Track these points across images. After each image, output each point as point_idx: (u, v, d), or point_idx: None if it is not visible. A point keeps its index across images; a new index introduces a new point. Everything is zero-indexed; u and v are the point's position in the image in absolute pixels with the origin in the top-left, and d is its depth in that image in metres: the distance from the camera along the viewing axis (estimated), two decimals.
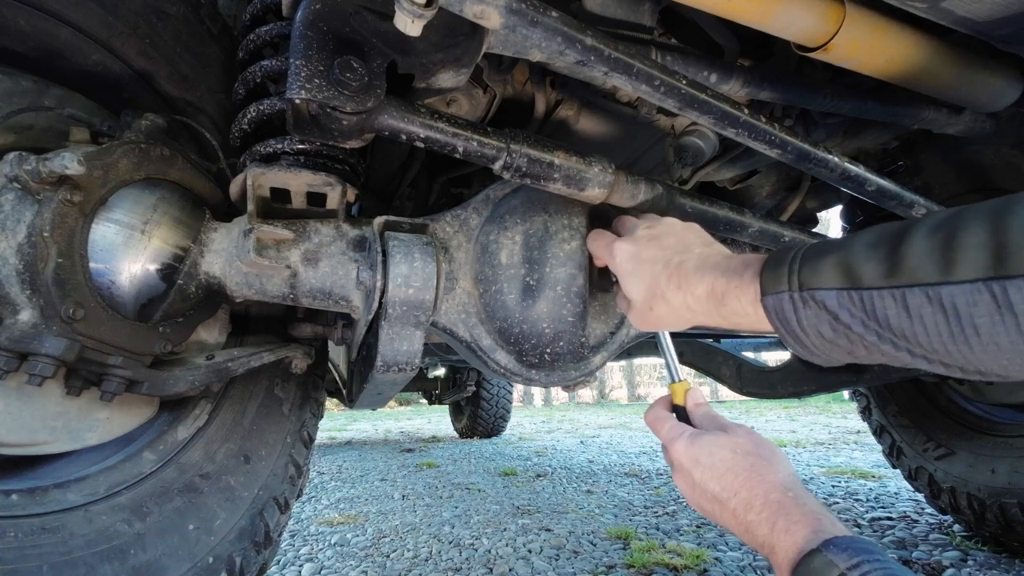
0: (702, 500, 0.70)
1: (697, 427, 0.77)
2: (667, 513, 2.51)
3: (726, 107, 0.89)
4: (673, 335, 0.92)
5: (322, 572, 1.83)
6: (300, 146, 0.92)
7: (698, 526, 2.27)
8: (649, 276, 0.74)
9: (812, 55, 0.94)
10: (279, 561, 1.95)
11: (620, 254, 0.80)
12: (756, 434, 0.72)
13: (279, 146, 0.92)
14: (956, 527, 2.09)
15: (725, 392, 9.91)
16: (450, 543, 2.10)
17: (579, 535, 2.16)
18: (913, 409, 2.02)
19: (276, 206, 0.96)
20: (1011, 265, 0.43)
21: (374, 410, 10.26)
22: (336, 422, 9.65)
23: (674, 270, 0.72)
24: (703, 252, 0.73)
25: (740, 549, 1.94)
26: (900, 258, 0.50)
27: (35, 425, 0.88)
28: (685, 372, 1.02)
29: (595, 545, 2.04)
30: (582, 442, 5.47)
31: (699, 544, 2.00)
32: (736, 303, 0.64)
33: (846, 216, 1.96)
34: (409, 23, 0.65)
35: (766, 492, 0.63)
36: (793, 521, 0.60)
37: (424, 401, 6.24)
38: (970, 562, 1.77)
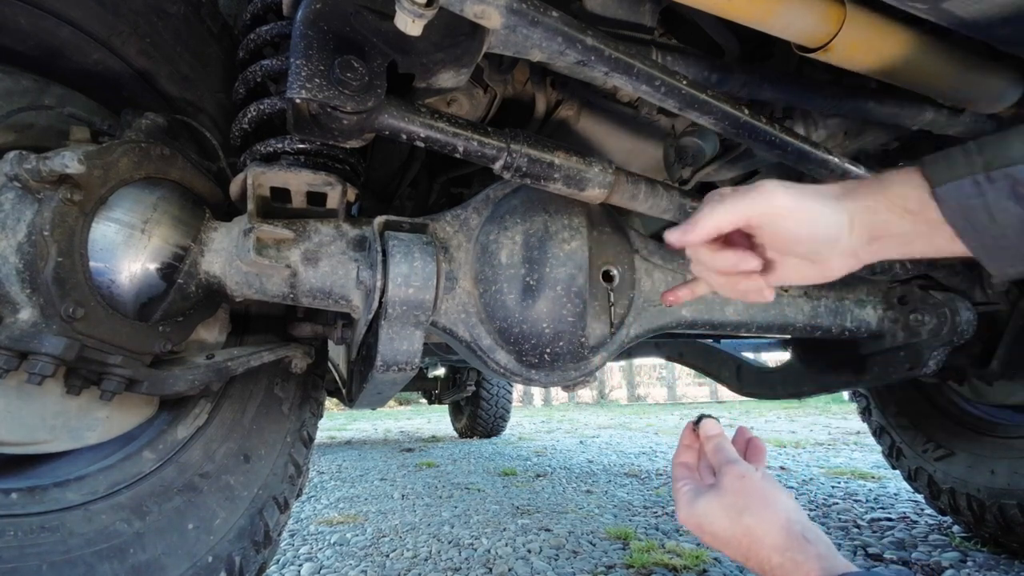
0: (727, 554, 0.71)
1: (709, 466, 0.78)
2: (666, 513, 2.51)
3: (726, 107, 0.89)
4: (672, 335, 0.92)
5: (321, 571, 1.83)
6: (300, 146, 0.92)
7: None
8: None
9: (813, 56, 0.94)
10: (278, 560, 1.95)
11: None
12: (747, 480, 0.70)
13: (279, 145, 0.92)
14: (955, 528, 2.09)
15: (725, 393, 9.92)
16: (450, 543, 2.10)
17: (579, 535, 2.16)
18: (913, 410, 2.02)
19: (276, 206, 0.96)
20: None
21: (374, 410, 10.26)
22: (336, 421, 9.65)
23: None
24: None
25: None
26: None
27: (35, 424, 0.88)
28: (685, 372, 1.02)
29: (594, 545, 2.04)
30: (582, 442, 5.47)
31: (698, 544, 2.00)
32: (888, 213, 0.55)
33: None
34: (410, 23, 0.65)
35: (769, 557, 0.64)
36: None
37: (424, 401, 6.23)
38: (969, 563, 1.77)
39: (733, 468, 0.72)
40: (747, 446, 0.80)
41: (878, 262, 1.24)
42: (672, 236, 0.64)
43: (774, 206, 0.60)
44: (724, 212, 0.62)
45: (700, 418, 0.83)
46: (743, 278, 0.66)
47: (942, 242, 0.54)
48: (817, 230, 0.59)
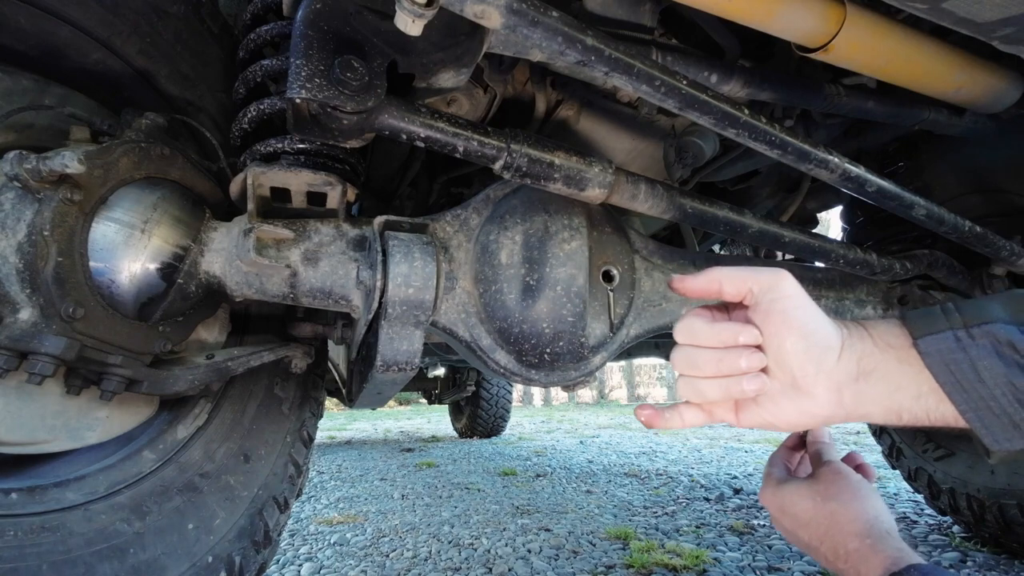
0: (796, 542, 0.72)
1: (808, 463, 0.79)
2: (666, 513, 2.51)
3: (726, 108, 0.89)
4: (669, 335, 0.91)
5: (321, 571, 1.83)
6: (300, 145, 0.92)
7: (697, 526, 2.27)
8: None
9: (813, 56, 0.94)
10: (278, 560, 1.95)
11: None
12: (843, 475, 0.71)
13: (279, 145, 0.92)
14: (955, 528, 2.09)
15: None
16: (449, 543, 2.10)
17: (578, 535, 2.16)
18: None
19: (276, 205, 0.96)
20: None
21: (374, 410, 10.25)
22: (336, 421, 9.65)
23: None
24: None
25: (739, 550, 1.94)
26: None
27: (35, 424, 0.88)
28: None
29: (594, 545, 2.04)
30: (581, 442, 5.47)
31: (698, 544, 2.00)
32: (874, 346, 0.54)
33: (846, 217, 1.96)
34: (410, 23, 0.65)
35: (846, 542, 0.65)
36: (872, 566, 0.62)
37: (424, 401, 6.24)
38: (969, 563, 1.77)
39: (832, 465, 0.73)
40: (857, 469, 0.79)
41: (879, 264, 1.24)
42: (674, 279, 0.63)
43: (782, 283, 0.57)
44: (729, 271, 0.60)
45: None
46: (737, 374, 0.59)
47: (929, 397, 0.52)
48: (816, 325, 0.56)
